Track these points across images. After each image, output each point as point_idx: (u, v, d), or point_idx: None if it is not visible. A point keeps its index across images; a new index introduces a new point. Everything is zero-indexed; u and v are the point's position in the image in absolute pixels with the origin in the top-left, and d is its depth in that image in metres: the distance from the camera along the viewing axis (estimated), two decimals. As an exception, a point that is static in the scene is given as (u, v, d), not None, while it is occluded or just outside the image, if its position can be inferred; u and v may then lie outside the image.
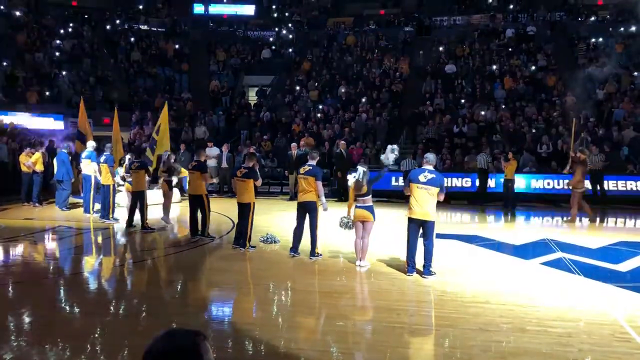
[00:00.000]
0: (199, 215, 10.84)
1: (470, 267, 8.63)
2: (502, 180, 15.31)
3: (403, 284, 7.70)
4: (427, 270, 7.88)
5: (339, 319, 6.23)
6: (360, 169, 8.65)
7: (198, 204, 10.75)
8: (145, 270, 8.85)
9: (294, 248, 9.22)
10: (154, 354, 1.66)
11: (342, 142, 17.92)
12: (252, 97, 26.29)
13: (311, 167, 9.13)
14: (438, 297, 7.11)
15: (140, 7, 32.45)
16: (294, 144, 17.52)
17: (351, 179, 10.03)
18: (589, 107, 20.23)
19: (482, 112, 20.71)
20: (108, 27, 29.30)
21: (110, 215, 12.61)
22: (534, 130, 19.08)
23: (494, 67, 24.00)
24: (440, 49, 26.19)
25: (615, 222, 13.65)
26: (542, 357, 5.13)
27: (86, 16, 29.68)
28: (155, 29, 30.28)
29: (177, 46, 28.38)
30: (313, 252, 9.04)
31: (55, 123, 20.77)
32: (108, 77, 25.04)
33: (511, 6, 29.37)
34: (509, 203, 14.93)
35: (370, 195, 8.45)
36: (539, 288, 7.41)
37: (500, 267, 8.65)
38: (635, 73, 21.68)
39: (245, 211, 9.69)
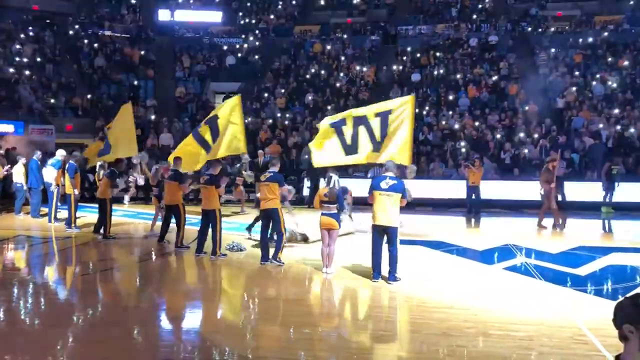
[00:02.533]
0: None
1: (435, 272, 8.74)
2: (467, 186, 15.55)
3: (369, 291, 7.75)
4: (392, 277, 7.95)
5: (305, 326, 6.23)
6: (334, 176, 8.74)
7: (174, 213, 10.61)
8: (109, 280, 8.69)
9: (264, 257, 9.19)
10: None
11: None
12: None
13: (272, 174, 9.17)
14: (403, 303, 7.18)
15: (105, 12, 31.96)
16: (260, 152, 17.47)
17: (322, 184, 10.08)
18: (550, 115, 20.78)
19: (444, 122, 21.04)
20: (71, 32, 28.77)
21: (73, 224, 12.37)
22: (498, 136, 19.50)
23: (458, 75, 24.42)
24: (405, 58, 26.52)
25: (575, 227, 13.97)
26: (504, 360, 5.23)
27: (48, 21, 29.08)
28: (119, 35, 29.87)
29: (142, 52, 28.05)
30: (275, 256, 9.06)
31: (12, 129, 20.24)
32: (71, 84, 24.57)
33: (474, 16, 29.94)
34: (474, 209, 15.18)
35: (337, 204, 8.51)
36: (502, 293, 7.55)
37: (464, 273, 8.78)
38: (594, 82, 22.34)
39: (210, 218, 9.63)
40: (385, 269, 8.05)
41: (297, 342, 5.77)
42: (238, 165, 14.67)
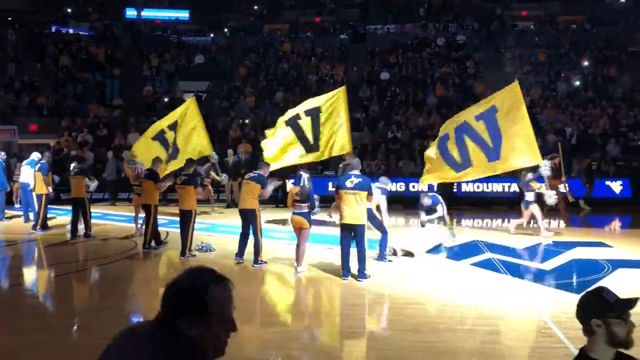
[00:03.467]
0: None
1: (404, 269, 8.84)
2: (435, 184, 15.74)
3: (339, 288, 7.81)
4: (361, 274, 8.02)
5: (275, 325, 6.25)
6: (305, 175, 8.75)
7: (145, 213, 10.44)
8: (78, 281, 8.55)
9: (239, 253, 9.18)
10: (171, 285, 1.85)
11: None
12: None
13: (256, 174, 9.13)
14: (373, 300, 7.26)
15: (69, 10, 31.36)
16: (230, 151, 17.39)
17: (290, 185, 10.07)
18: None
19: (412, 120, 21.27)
20: (34, 30, 28.14)
21: (38, 226, 12.13)
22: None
23: (426, 74, 24.69)
24: (374, 57, 26.70)
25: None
26: (473, 355, 5.33)
27: (10, 18, 28.39)
28: (85, 33, 29.33)
29: (108, 51, 27.60)
30: (256, 260, 9.01)
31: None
32: (35, 83, 24.04)
33: (442, 16, 30.32)
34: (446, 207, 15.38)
35: (308, 203, 8.55)
36: (470, 288, 7.69)
37: (433, 269, 8.91)
38: (559, 82, 22.86)
39: (186, 219, 9.57)
40: (354, 267, 8.12)
41: (268, 341, 5.78)
42: (207, 165, 14.55)
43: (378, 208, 9.25)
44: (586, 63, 23.89)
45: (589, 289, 2.51)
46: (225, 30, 30.93)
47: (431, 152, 10.64)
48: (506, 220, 13.63)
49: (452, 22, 29.37)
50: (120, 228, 12.62)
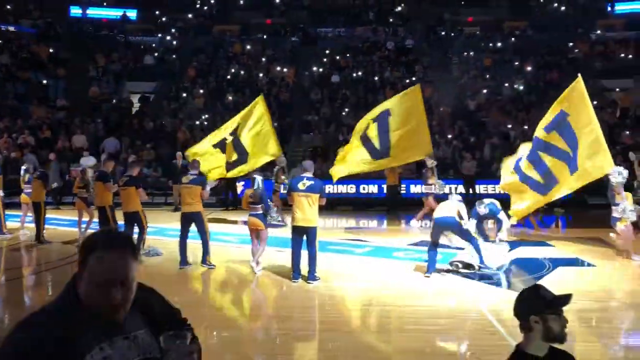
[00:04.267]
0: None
1: (355, 271, 8.88)
2: (386, 186, 15.95)
3: (289, 291, 7.78)
4: (311, 276, 8.02)
5: (224, 330, 6.17)
6: (257, 178, 8.76)
7: (102, 215, 10.11)
8: (13, 288, 8.22)
9: (183, 261, 8.99)
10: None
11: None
12: (135, 104, 25.30)
13: (195, 176, 9.02)
14: (323, 302, 7.26)
15: (8, 7, 30.13)
16: (179, 153, 17.08)
17: (240, 187, 9.91)
18: (462, 116, 21.68)
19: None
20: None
21: (4, 229, 11.70)
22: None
23: (376, 78, 24.97)
24: (325, 60, 26.81)
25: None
26: (417, 355, 5.41)
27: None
28: (26, 31, 28.25)
29: (51, 50, 26.67)
30: (204, 260, 8.92)
31: None
32: (-29, 82, 23.01)
33: (391, 20, 30.71)
34: (393, 207, 15.59)
35: (262, 204, 8.54)
36: (418, 288, 7.80)
37: (382, 271, 8.98)
38: (507, 84, 23.54)
39: (133, 220, 9.40)
40: (305, 269, 8.11)
41: (214, 346, 5.70)
42: (276, 168, 13.92)
43: (460, 216, 8.61)
44: (529, 68, 24.68)
45: (526, 287, 2.59)
46: (174, 30, 30.41)
47: (508, 179, 10.33)
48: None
49: (402, 27, 29.78)
50: (64, 233, 12.21)
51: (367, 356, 5.35)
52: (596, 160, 8.58)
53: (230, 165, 11.83)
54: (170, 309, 2.09)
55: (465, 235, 8.47)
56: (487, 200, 10.62)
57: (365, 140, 11.25)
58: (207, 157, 11.79)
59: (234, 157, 11.67)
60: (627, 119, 20.91)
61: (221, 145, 11.83)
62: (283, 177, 13.76)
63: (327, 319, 6.68)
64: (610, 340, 5.90)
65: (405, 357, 5.33)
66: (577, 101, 8.84)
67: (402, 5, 31.86)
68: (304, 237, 8.07)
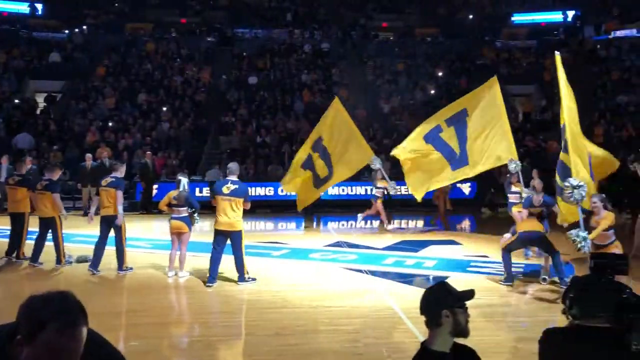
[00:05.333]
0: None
1: (270, 273, 8.86)
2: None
3: (203, 297, 7.65)
4: (241, 278, 8.00)
5: (133, 338, 5.96)
6: (183, 180, 8.58)
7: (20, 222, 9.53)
8: None
9: (94, 265, 8.66)
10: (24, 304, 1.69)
11: (148, 152, 17.40)
12: (40, 102, 23.92)
13: (114, 179, 8.81)
14: (237, 307, 7.20)
15: None
16: (88, 155, 16.36)
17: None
18: (377, 120, 22.21)
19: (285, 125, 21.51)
20: None
21: None
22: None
23: (294, 80, 25.06)
24: (242, 61, 26.58)
25: (400, 224, 15.02)
26: (333, 355, 5.47)
27: None
28: None
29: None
30: (121, 267, 8.68)
31: None
32: None
33: (308, 23, 30.92)
34: (309, 210, 15.68)
35: (186, 207, 8.42)
36: (331, 289, 7.89)
37: (297, 272, 9.02)
38: (416, 91, 24.32)
39: (50, 226, 9.03)
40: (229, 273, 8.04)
41: (132, 355, 5.47)
42: (373, 173, 13.28)
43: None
44: (440, 73, 25.67)
45: (432, 284, 2.68)
46: (84, 27, 29.08)
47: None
48: (368, 222, 14.20)
49: (318, 30, 30.07)
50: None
51: (283, 358, 5.35)
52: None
53: (320, 181, 11.65)
54: None
55: (549, 248, 7.90)
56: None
57: (442, 146, 10.12)
58: (299, 182, 12.04)
59: (325, 172, 11.45)
60: (528, 124, 22.23)
61: (309, 165, 11.72)
62: (383, 180, 12.85)
63: (241, 323, 6.63)
64: (511, 332, 6.23)
65: (322, 358, 5.37)
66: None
67: (319, 9, 32.18)
68: (227, 242, 7.99)
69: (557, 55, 8.28)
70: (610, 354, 2.26)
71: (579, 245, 6.88)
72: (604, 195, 7.37)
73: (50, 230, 9.10)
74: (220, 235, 7.98)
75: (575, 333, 2.37)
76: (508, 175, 10.41)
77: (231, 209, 7.87)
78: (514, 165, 9.69)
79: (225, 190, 7.93)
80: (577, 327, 2.37)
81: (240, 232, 8.00)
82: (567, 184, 6.95)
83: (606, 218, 7.00)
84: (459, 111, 9.93)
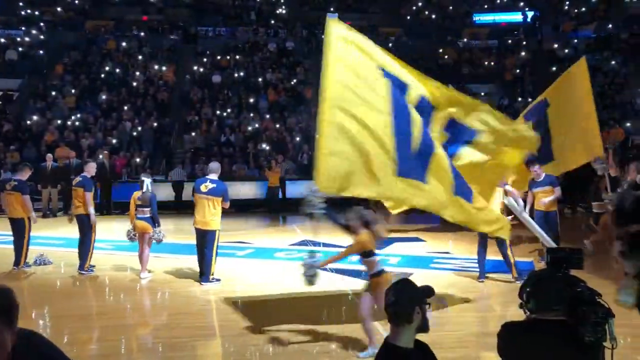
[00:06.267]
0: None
1: (235, 274, 8.81)
2: (267, 187, 16.02)
3: (166, 298, 7.58)
4: (205, 278, 7.95)
5: (89, 342, 5.85)
6: (146, 180, 8.50)
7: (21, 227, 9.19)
8: None
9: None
10: None
11: (105, 152, 17.07)
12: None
13: (81, 178, 8.86)
14: (201, 307, 7.14)
15: None
16: (49, 155, 15.97)
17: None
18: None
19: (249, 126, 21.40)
20: None
21: None
22: (297, 139, 20.35)
23: (259, 79, 24.93)
24: (205, 59, 26.31)
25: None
26: (301, 355, 5.47)
27: None
28: None
29: None
30: (82, 267, 8.63)
31: None
32: None
33: (272, 21, 30.80)
34: (274, 209, 15.67)
35: (150, 207, 8.39)
36: (297, 288, 7.82)
37: (262, 272, 8.99)
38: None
39: (19, 227, 8.92)
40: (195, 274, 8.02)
41: (96, 358, 5.40)
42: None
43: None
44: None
45: (398, 281, 2.68)
46: (41, 24, 28.30)
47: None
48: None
49: (282, 29, 29.97)
50: None
51: (247, 358, 5.33)
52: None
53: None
54: None
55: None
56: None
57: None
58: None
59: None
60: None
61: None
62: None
63: (208, 324, 6.57)
64: (472, 327, 6.34)
65: (288, 358, 5.37)
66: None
67: (283, 7, 32.08)
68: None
69: (583, 60, 7.56)
70: (565, 345, 2.32)
71: None
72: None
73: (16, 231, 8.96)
74: (197, 234, 8.03)
75: (532, 326, 2.43)
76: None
77: (208, 208, 7.86)
78: (602, 166, 8.54)
79: (203, 188, 7.95)
80: (534, 321, 2.43)
81: (214, 232, 8.01)
82: None
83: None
84: (537, 102, 8.68)
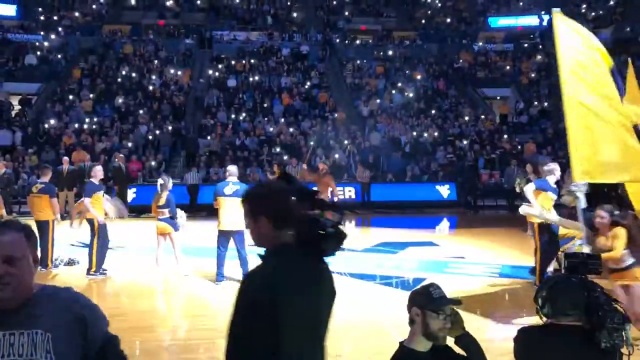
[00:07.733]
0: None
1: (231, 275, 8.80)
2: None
3: (180, 300, 7.60)
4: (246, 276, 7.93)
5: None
6: (160, 180, 8.61)
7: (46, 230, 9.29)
8: None
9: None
10: None
11: (121, 155, 17.20)
12: (15, 106, 23.51)
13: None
14: (216, 309, 7.15)
15: None
16: (65, 158, 16.12)
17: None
18: (356, 122, 22.30)
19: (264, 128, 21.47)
20: None
21: None
22: (311, 143, 20.36)
23: (274, 83, 25.04)
24: (220, 64, 26.48)
25: (378, 225, 15.01)
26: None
27: None
28: None
29: None
30: (88, 271, 8.68)
31: None
32: None
33: (287, 25, 30.92)
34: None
35: (169, 208, 8.50)
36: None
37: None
38: (393, 91, 24.47)
39: (44, 229, 8.97)
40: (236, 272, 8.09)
41: None
42: None
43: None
44: (419, 76, 25.87)
45: (423, 284, 2.69)
46: (60, 29, 28.68)
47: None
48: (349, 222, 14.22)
49: (297, 33, 30.09)
50: None
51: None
52: None
53: None
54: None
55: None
56: None
57: None
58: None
59: None
60: (504, 125, 22.50)
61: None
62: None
63: (223, 326, 6.58)
64: (486, 332, 6.28)
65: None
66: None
67: (298, 12, 32.21)
68: (230, 241, 8.06)
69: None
70: (582, 351, 2.30)
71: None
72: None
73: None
74: (224, 236, 8.06)
75: (547, 332, 2.41)
76: None
77: (235, 209, 7.88)
78: None
79: (227, 191, 8.01)
80: (550, 326, 2.41)
81: (243, 232, 8.01)
82: None
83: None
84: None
